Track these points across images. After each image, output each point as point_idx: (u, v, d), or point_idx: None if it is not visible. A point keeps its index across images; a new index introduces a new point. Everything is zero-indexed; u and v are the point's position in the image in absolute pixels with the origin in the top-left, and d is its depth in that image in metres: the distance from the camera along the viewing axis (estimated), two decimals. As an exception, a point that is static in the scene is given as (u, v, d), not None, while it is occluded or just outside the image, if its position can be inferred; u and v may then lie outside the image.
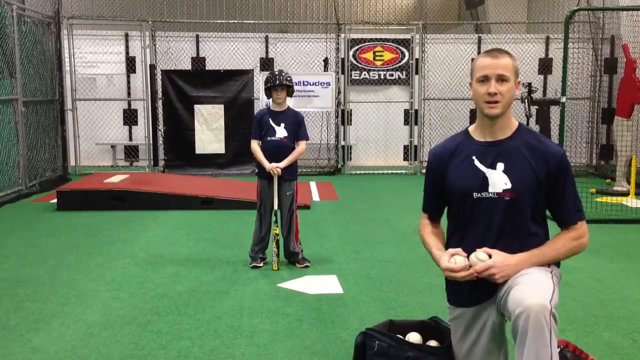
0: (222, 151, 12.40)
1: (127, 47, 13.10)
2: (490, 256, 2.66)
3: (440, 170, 2.88)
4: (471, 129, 2.89)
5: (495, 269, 2.61)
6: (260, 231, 5.79)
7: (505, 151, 2.75)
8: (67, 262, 5.96)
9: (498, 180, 2.73)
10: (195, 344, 3.98)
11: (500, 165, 2.73)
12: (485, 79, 2.71)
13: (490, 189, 2.73)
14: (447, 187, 2.85)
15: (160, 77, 12.43)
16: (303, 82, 12.24)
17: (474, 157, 2.78)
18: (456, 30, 15.76)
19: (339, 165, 12.80)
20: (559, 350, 3.21)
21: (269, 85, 5.73)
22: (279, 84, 5.67)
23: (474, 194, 2.75)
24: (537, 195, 2.73)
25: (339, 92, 12.64)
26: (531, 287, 2.53)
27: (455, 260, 2.70)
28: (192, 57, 13.16)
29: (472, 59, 2.90)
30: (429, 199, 3.00)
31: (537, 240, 2.74)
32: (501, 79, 2.70)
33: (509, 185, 2.71)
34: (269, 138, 5.74)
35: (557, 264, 2.80)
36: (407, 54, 13.17)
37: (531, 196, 2.72)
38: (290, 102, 6.07)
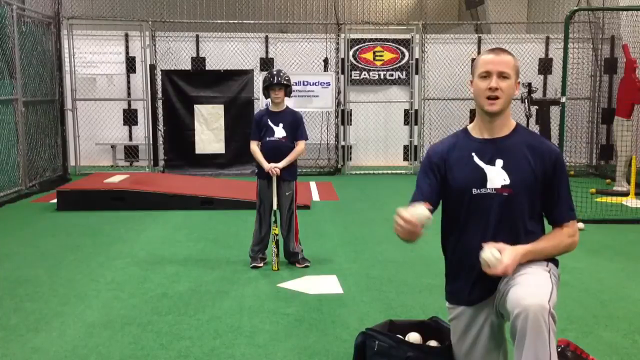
0: (222, 151, 12.41)
1: (127, 47, 13.10)
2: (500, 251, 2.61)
3: (439, 167, 2.87)
4: (470, 127, 2.93)
5: (510, 268, 2.58)
6: (260, 231, 5.79)
7: (504, 148, 2.78)
8: (67, 262, 5.96)
9: (496, 176, 2.75)
10: (195, 344, 3.97)
11: (499, 162, 2.77)
12: (487, 75, 2.75)
13: (489, 185, 2.76)
14: (447, 184, 2.85)
15: (160, 77, 12.42)
16: (303, 82, 12.24)
17: (473, 154, 2.81)
18: (456, 30, 15.76)
19: (339, 165, 12.80)
20: (560, 349, 3.22)
21: (266, 84, 5.73)
22: (276, 83, 5.67)
23: (474, 190, 2.77)
24: (534, 192, 2.75)
25: (338, 92, 12.64)
26: (529, 287, 2.53)
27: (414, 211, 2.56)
28: (192, 57, 13.15)
29: (473, 59, 2.93)
30: (421, 189, 2.87)
31: (534, 239, 2.75)
32: (502, 75, 2.73)
33: (507, 182, 2.74)
34: (267, 138, 5.73)
35: (556, 263, 2.81)
36: (407, 54, 13.17)
37: (528, 193, 2.74)
38: (290, 102, 6.08)
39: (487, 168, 2.77)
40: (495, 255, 2.59)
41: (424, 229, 2.60)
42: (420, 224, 2.56)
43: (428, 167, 2.90)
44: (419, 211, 2.58)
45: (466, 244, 2.79)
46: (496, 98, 2.73)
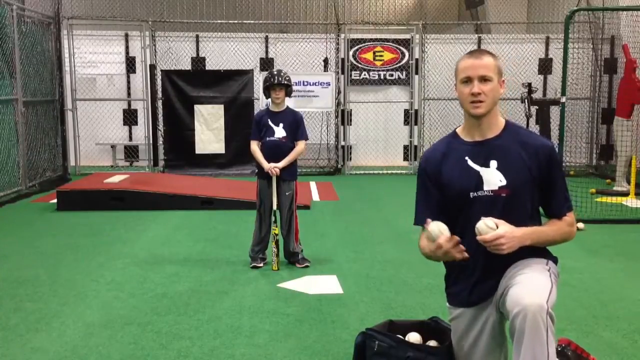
0: (222, 151, 12.41)
1: (127, 47, 13.10)
2: (497, 226, 2.61)
3: (434, 175, 2.87)
4: (459, 130, 2.92)
5: (504, 239, 2.57)
6: (260, 231, 5.79)
7: (497, 149, 2.78)
8: (67, 262, 5.96)
9: (492, 177, 2.75)
10: (195, 344, 3.97)
11: (494, 163, 2.76)
12: (468, 80, 2.75)
13: (486, 187, 2.75)
14: (443, 190, 2.85)
15: (160, 77, 12.43)
16: (303, 82, 12.23)
17: (466, 158, 2.80)
18: (456, 30, 15.76)
19: (339, 165, 12.80)
20: (560, 349, 3.22)
21: (267, 84, 5.73)
22: (277, 83, 5.66)
23: (471, 193, 2.77)
24: (532, 189, 2.75)
25: (339, 92, 12.64)
26: (528, 286, 2.54)
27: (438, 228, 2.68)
28: (192, 57, 13.15)
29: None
30: (424, 207, 2.91)
31: None
32: (484, 79, 2.73)
33: (503, 182, 2.73)
34: (268, 138, 5.73)
35: (555, 261, 2.81)
36: (407, 54, 13.17)
37: (526, 191, 2.74)
38: (291, 103, 6.07)
39: (482, 170, 2.77)
40: (488, 224, 2.60)
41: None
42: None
43: (424, 179, 2.91)
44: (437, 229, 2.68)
45: (466, 246, 2.78)
46: (480, 102, 2.73)
